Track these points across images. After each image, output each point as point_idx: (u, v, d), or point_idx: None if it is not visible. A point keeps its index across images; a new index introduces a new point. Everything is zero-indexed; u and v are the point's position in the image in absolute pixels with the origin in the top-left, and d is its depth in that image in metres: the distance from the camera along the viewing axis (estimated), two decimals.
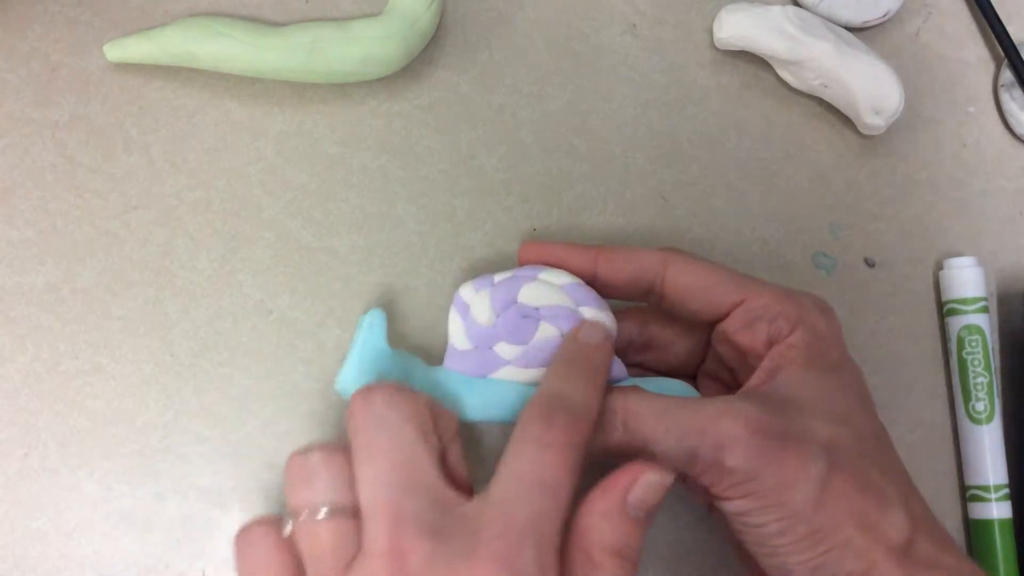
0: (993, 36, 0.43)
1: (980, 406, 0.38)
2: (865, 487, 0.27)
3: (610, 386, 0.30)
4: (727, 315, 0.31)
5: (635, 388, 0.29)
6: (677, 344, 0.34)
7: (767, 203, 0.40)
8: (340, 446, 0.27)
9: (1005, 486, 0.38)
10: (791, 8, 0.40)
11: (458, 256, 0.38)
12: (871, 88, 0.39)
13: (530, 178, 0.39)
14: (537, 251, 0.33)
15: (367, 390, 0.27)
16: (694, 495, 0.34)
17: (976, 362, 0.39)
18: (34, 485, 0.34)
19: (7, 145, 0.37)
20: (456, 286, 0.36)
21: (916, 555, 0.27)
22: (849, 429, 0.28)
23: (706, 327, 0.33)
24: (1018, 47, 0.42)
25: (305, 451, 0.27)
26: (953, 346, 0.39)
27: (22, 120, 0.37)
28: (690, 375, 0.35)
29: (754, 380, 0.30)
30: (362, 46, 0.37)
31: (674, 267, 0.31)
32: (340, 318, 0.37)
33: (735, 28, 0.40)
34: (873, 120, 0.39)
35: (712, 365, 0.34)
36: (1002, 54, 0.43)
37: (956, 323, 0.39)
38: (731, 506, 0.27)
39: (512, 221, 0.39)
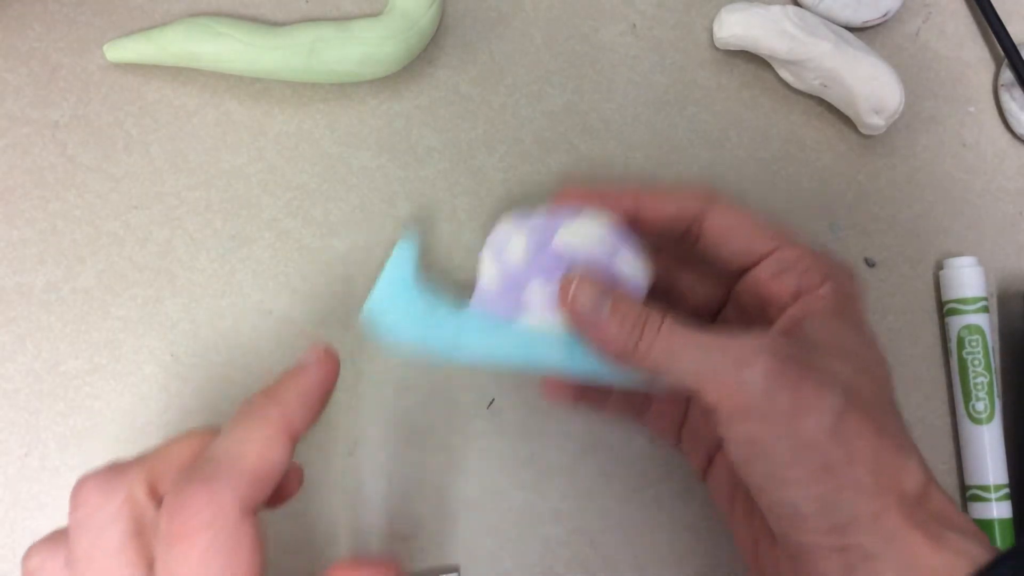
0: (993, 36, 0.43)
1: (980, 406, 0.38)
2: (883, 431, 0.27)
3: (637, 303, 0.29)
4: (758, 263, 0.31)
5: (673, 312, 0.29)
6: (698, 289, 0.34)
7: (767, 203, 0.40)
8: (63, 542, 0.25)
9: (1005, 486, 0.38)
10: (791, 8, 0.40)
11: (458, 256, 0.38)
12: (871, 88, 0.39)
13: (530, 178, 0.39)
14: (576, 196, 0.32)
15: (81, 482, 0.25)
16: (690, 456, 0.34)
17: (976, 362, 0.39)
18: (34, 485, 0.34)
19: (7, 145, 0.37)
20: (456, 286, 0.36)
21: (929, 509, 0.26)
22: (871, 378, 0.28)
23: (729, 275, 0.33)
24: (1018, 47, 0.42)
25: (28, 552, 0.25)
26: (953, 346, 0.39)
27: (22, 120, 0.37)
28: (708, 321, 0.34)
29: (779, 326, 0.29)
30: (362, 46, 0.37)
31: (713, 210, 0.31)
32: (340, 318, 0.37)
33: (735, 28, 0.40)
34: (873, 120, 0.39)
35: (731, 313, 0.34)
36: (1002, 54, 0.43)
37: (956, 323, 0.39)
38: (742, 430, 0.26)
39: None
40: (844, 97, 0.40)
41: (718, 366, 0.27)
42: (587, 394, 0.34)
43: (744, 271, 0.32)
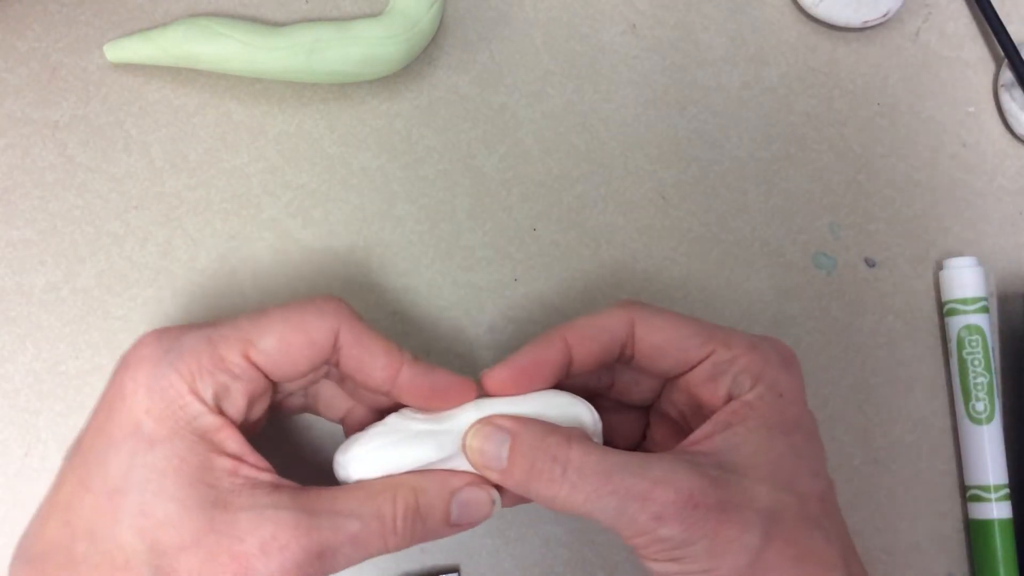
0: (993, 36, 0.43)
1: (980, 406, 0.38)
2: (804, 556, 0.27)
3: (553, 428, 0.29)
4: (694, 368, 0.31)
5: (578, 438, 0.28)
6: (641, 383, 0.34)
7: (767, 203, 0.40)
8: None
9: (1005, 486, 0.38)
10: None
11: (458, 256, 0.38)
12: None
13: (530, 178, 0.39)
14: (503, 379, 0.30)
15: None
16: None
17: (976, 362, 0.39)
18: (34, 485, 0.34)
19: (7, 145, 0.37)
20: (456, 286, 0.36)
21: None
22: (792, 495, 0.28)
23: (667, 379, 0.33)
24: (1018, 47, 0.42)
25: None
26: (953, 346, 0.39)
27: (22, 120, 0.37)
28: (644, 409, 0.34)
29: (700, 433, 0.29)
30: (362, 47, 0.37)
31: (641, 325, 0.30)
32: None
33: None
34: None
35: (666, 405, 0.33)
36: (1002, 54, 0.43)
37: (956, 323, 0.39)
38: (658, 568, 0.27)
39: (512, 221, 0.39)
40: None
41: (634, 517, 0.26)
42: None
43: (681, 375, 0.31)
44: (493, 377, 0.30)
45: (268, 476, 0.27)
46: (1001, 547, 0.37)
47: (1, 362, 0.35)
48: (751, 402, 0.29)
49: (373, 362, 0.29)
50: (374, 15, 0.38)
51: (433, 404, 0.30)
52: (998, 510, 0.37)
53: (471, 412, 0.29)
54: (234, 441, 0.27)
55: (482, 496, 0.29)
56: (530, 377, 0.30)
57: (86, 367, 0.36)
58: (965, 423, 0.39)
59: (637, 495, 0.26)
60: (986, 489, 0.38)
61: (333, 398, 0.32)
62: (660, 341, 0.30)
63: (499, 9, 0.41)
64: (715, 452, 0.28)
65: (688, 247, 0.39)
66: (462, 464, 0.29)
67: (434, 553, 0.36)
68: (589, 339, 0.30)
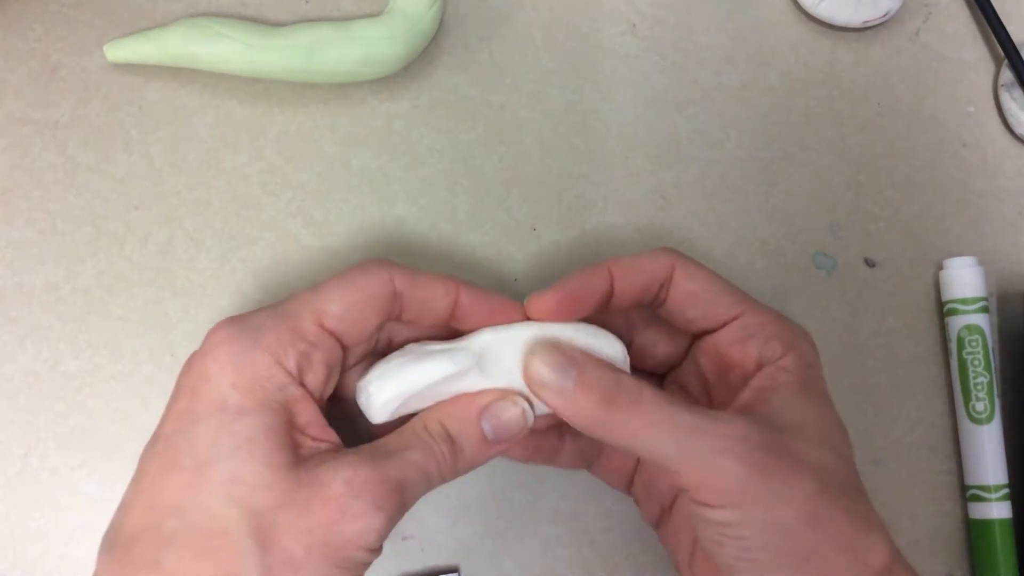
0: (993, 36, 0.43)
1: (980, 406, 0.38)
2: (852, 512, 0.27)
3: (608, 371, 0.29)
4: (720, 327, 0.31)
5: (642, 382, 0.29)
6: (659, 346, 0.34)
7: (767, 203, 0.40)
8: None
9: (1005, 486, 0.38)
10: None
11: (458, 256, 0.38)
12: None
13: (530, 178, 0.39)
14: (548, 304, 0.30)
15: None
16: (642, 505, 0.34)
17: (976, 362, 0.39)
18: (34, 485, 0.34)
19: (7, 145, 0.37)
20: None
21: None
22: (840, 457, 0.28)
23: (689, 335, 0.33)
24: (1018, 47, 0.42)
25: None
26: (953, 346, 0.39)
27: (22, 120, 0.37)
28: (660, 377, 0.35)
29: (744, 398, 0.29)
30: (363, 46, 0.37)
31: (680, 271, 0.31)
32: None
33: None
34: None
35: (686, 374, 0.34)
36: (1002, 54, 0.43)
37: (956, 323, 0.39)
38: (716, 515, 0.27)
39: (512, 221, 0.39)
40: None
41: (695, 451, 0.26)
42: (539, 450, 0.33)
43: (705, 333, 0.32)
44: (539, 301, 0.30)
45: (333, 447, 0.28)
46: (1001, 547, 0.37)
47: (1, 362, 0.35)
48: (787, 367, 0.29)
49: (433, 295, 0.30)
50: (374, 15, 0.38)
51: (490, 324, 0.31)
52: (998, 510, 0.37)
53: (487, 335, 0.30)
54: (306, 414, 0.28)
55: (511, 408, 0.29)
56: (574, 304, 0.30)
57: (86, 367, 0.36)
58: (965, 423, 0.39)
59: (698, 429, 0.27)
60: (986, 489, 0.38)
61: None
62: (696, 289, 0.31)
63: (499, 9, 0.41)
64: (763, 413, 0.28)
65: (688, 247, 0.39)
66: (479, 380, 0.30)
67: (434, 553, 0.36)
68: (633, 274, 0.31)
